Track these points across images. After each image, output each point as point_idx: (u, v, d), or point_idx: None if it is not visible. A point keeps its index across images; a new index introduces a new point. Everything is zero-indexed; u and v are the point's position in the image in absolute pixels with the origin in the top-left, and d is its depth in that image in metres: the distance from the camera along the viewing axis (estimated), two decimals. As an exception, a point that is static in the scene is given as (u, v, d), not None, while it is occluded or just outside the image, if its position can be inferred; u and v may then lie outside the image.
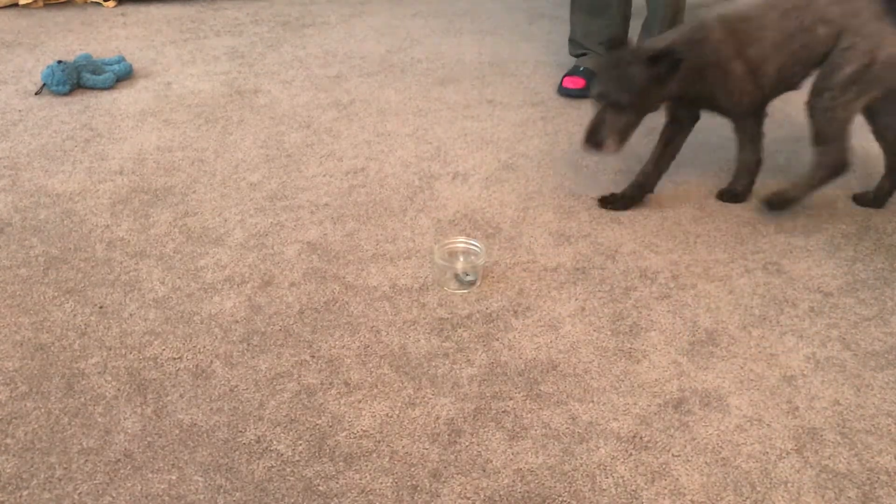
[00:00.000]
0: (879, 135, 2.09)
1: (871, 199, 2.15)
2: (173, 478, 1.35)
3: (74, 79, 2.69)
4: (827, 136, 1.95)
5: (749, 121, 2.05)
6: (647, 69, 1.82)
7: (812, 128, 1.97)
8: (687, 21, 2.01)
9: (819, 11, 1.88)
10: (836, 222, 2.08)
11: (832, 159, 1.96)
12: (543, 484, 1.35)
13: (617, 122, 1.85)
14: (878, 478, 1.38)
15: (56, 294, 1.77)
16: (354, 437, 1.43)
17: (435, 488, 1.34)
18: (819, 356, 1.64)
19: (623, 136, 1.88)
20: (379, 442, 1.42)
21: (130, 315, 1.71)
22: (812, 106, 1.94)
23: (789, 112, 2.70)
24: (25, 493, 1.32)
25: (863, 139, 2.54)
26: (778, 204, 2.06)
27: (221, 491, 1.33)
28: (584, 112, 2.66)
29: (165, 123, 2.52)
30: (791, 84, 2.00)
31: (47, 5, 3.55)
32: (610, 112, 1.85)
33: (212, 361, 1.59)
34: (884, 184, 2.13)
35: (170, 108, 2.62)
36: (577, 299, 1.79)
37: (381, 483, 1.35)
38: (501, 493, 1.33)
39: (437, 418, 1.47)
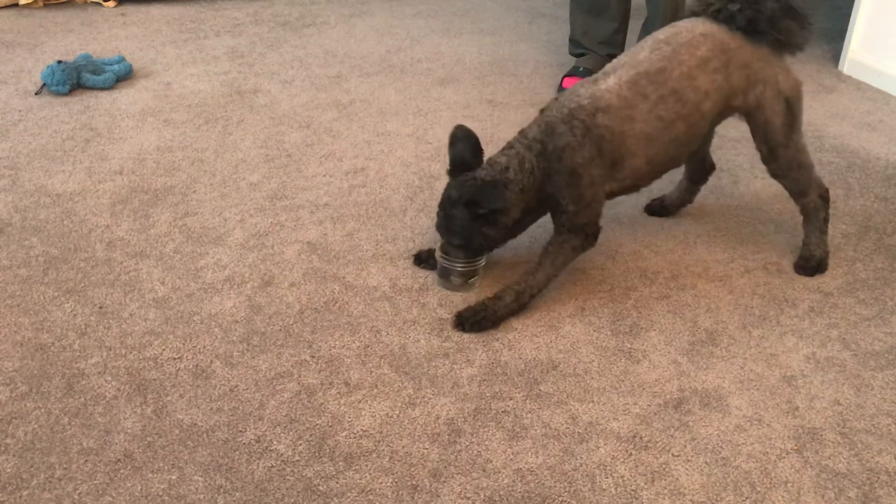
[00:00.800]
0: None
1: (662, 208, 2.10)
2: (173, 478, 1.35)
3: (74, 79, 2.69)
4: (802, 185, 1.85)
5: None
6: (469, 212, 1.66)
7: (787, 187, 1.87)
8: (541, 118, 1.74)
9: (698, 86, 1.70)
10: (836, 222, 2.08)
11: (818, 197, 1.86)
12: (543, 484, 1.35)
13: (458, 256, 1.75)
14: (878, 478, 1.38)
15: (56, 294, 1.77)
16: (354, 437, 1.43)
17: (435, 488, 1.34)
18: (819, 356, 1.64)
19: (469, 274, 1.78)
20: (379, 442, 1.42)
21: (130, 315, 1.71)
22: (775, 172, 1.84)
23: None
24: (25, 493, 1.32)
25: (864, 140, 2.54)
26: (817, 269, 1.89)
27: (221, 491, 1.33)
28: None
29: (165, 123, 2.52)
30: (671, 168, 1.84)
31: (47, 5, 3.55)
32: (451, 248, 1.75)
33: (212, 361, 1.59)
34: (683, 194, 2.09)
35: (170, 108, 2.62)
36: (577, 299, 1.79)
37: (381, 483, 1.35)
38: (501, 493, 1.33)
39: (437, 418, 1.47)
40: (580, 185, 1.68)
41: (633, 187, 1.80)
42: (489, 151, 1.73)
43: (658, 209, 2.10)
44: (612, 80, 1.70)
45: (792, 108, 1.77)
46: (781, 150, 1.80)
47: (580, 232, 1.74)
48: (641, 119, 1.69)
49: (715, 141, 2.45)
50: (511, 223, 1.73)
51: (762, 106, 1.75)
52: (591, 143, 1.67)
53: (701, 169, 2.05)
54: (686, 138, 1.75)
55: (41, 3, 3.53)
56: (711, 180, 2.25)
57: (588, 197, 1.70)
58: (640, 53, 1.73)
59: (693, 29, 1.73)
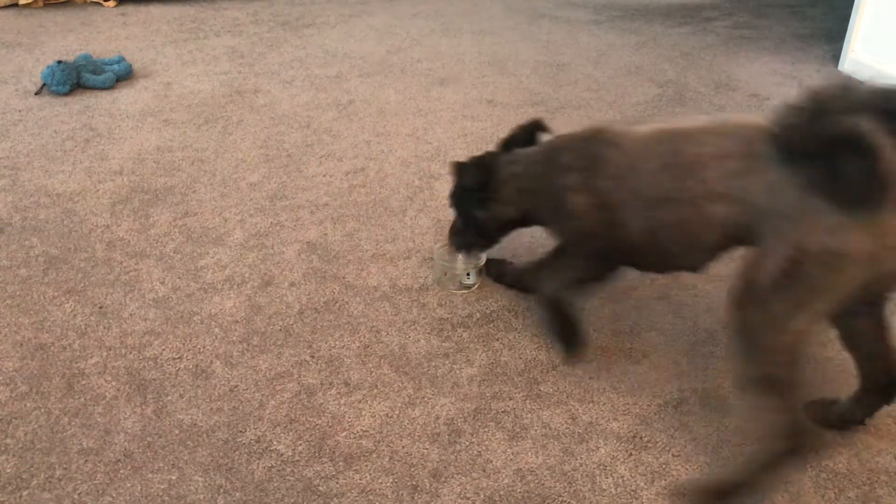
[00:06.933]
0: (850, 342, 1.41)
1: (834, 416, 1.45)
2: (173, 478, 1.35)
3: (74, 79, 2.69)
4: (764, 373, 1.23)
5: None
6: (458, 179, 1.67)
7: (740, 362, 1.26)
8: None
9: (708, 184, 1.28)
10: (836, 222, 2.07)
11: (780, 425, 1.23)
12: (543, 484, 1.35)
13: (456, 226, 1.77)
14: (878, 478, 1.38)
15: (56, 294, 1.77)
16: (354, 437, 1.43)
17: (435, 488, 1.34)
18: (819, 356, 1.64)
19: (464, 244, 1.75)
20: (379, 442, 1.42)
21: (130, 315, 1.71)
22: (734, 323, 1.26)
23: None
24: (25, 493, 1.32)
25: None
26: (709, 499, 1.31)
27: (221, 491, 1.33)
28: (589, 113, 2.66)
29: (165, 123, 2.52)
30: (680, 264, 1.46)
31: (47, 5, 3.55)
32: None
33: (212, 361, 1.59)
34: (856, 407, 1.43)
35: (170, 108, 2.62)
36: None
37: (381, 483, 1.35)
38: (501, 493, 1.33)
39: (437, 418, 1.47)
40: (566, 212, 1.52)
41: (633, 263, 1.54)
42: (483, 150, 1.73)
43: (821, 412, 1.46)
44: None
45: (799, 272, 1.17)
46: (752, 307, 1.23)
47: None
48: (645, 173, 1.37)
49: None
50: (510, 214, 1.66)
51: (761, 242, 1.24)
52: (585, 170, 1.47)
53: (880, 372, 1.40)
54: (680, 236, 1.36)
55: (41, 3, 3.53)
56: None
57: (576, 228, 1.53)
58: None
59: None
